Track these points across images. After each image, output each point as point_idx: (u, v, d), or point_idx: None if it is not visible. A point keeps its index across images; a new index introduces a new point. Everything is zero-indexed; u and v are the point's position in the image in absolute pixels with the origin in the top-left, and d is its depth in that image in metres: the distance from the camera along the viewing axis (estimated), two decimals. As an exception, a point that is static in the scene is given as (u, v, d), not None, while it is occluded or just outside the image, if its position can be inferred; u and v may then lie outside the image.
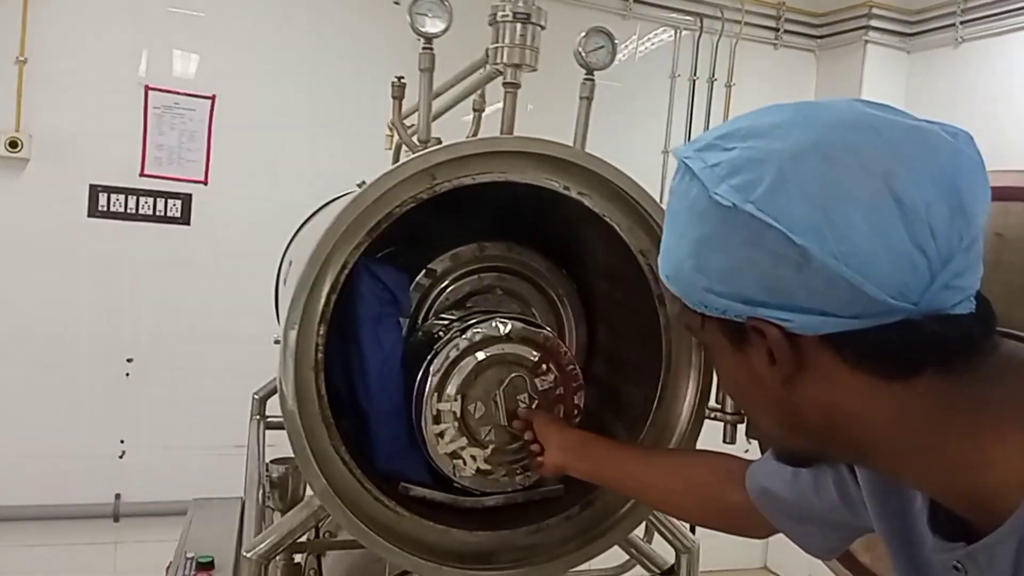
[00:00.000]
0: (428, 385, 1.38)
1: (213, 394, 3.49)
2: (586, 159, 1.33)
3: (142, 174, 3.54)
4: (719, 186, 0.63)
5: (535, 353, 1.43)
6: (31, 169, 3.40)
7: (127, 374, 3.59)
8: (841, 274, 0.58)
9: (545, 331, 1.45)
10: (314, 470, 1.24)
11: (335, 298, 1.27)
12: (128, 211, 3.52)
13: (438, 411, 1.39)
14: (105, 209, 3.50)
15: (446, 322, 1.50)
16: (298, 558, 2.10)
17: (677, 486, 1.18)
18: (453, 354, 1.39)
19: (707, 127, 4.62)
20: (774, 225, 0.60)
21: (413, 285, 1.64)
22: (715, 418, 1.40)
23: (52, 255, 3.45)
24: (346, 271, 1.27)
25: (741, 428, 1.38)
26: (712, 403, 1.41)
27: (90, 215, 3.49)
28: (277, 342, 1.25)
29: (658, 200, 1.58)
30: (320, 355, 1.26)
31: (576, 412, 1.46)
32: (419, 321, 1.65)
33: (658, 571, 1.53)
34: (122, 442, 3.61)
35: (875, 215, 0.58)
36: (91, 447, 3.56)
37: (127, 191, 3.53)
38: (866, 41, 4.54)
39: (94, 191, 3.50)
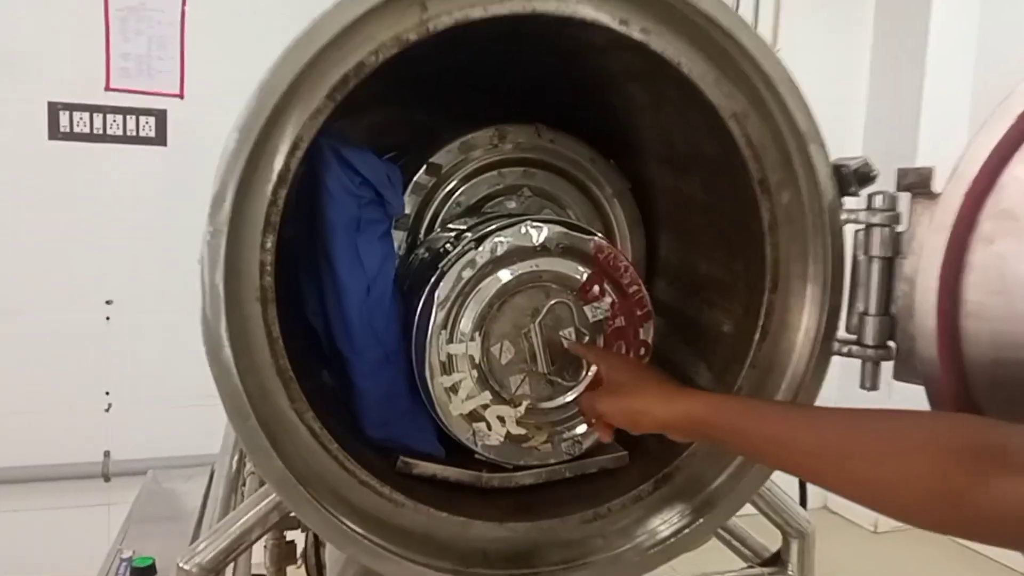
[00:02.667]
0: (432, 320, 0.98)
1: (206, 338, 3.13)
2: (655, -31, 0.89)
3: (108, 88, 3.12)
4: None
5: (582, 269, 1.02)
6: (-22, 87, 3.00)
7: (107, 318, 3.24)
8: None
9: (596, 237, 1.03)
10: (263, 447, 0.85)
11: (285, 194, 0.86)
12: (94, 131, 3.11)
13: (449, 356, 0.99)
14: (68, 130, 3.09)
15: (456, 232, 1.09)
16: (292, 535, 1.76)
17: (915, 466, 0.66)
18: (467, 274, 0.99)
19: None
20: None
21: (411, 186, 1.23)
22: (848, 354, 0.99)
23: (10, 186, 3.07)
24: (299, 152, 0.85)
25: (887, 367, 0.97)
26: (842, 332, 1.00)
27: (51, 137, 3.09)
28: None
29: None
30: (268, 279, 0.86)
31: (644, 351, 1.06)
32: (421, 236, 1.24)
33: (757, 560, 1.15)
34: (107, 394, 3.28)
35: None
36: (73, 401, 3.24)
37: (92, 108, 3.11)
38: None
39: (54, 110, 3.09)
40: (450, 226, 1.18)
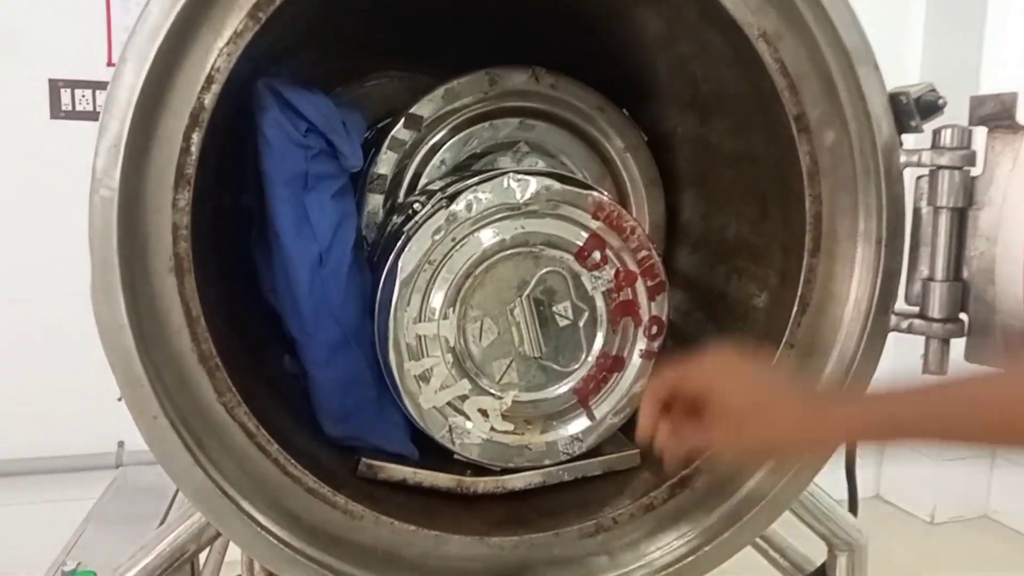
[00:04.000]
0: (395, 294, 0.81)
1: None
2: None
3: (110, 63, 3.00)
4: None
5: (581, 232, 0.85)
6: (-24, 65, 2.90)
7: (116, 304, 3.13)
8: None
9: (595, 192, 0.86)
10: (173, 450, 0.70)
11: (199, 137, 0.70)
12: (98, 109, 2.99)
13: (418, 337, 0.83)
14: (70, 108, 2.98)
15: (429, 193, 0.93)
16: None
17: None
18: (437, 238, 0.82)
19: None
20: None
21: (388, 142, 1.06)
22: (908, 329, 0.80)
23: (12, 168, 2.97)
24: (215, 85, 0.69)
25: (958, 345, 0.78)
26: (901, 304, 0.81)
27: (53, 116, 2.98)
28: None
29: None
30: (184, 245, 0.71)
31: (656, 328, 0.88)
32: (400, 200, 1.08)
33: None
34: (119, 382, 3.19)
35: None
36: (84, 390, 3.14)
37: (94, 85, 3.00)
38: None
39: (55, 87, 2.98)
40: (429, 187, 1.01)
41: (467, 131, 1.10)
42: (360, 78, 1.27)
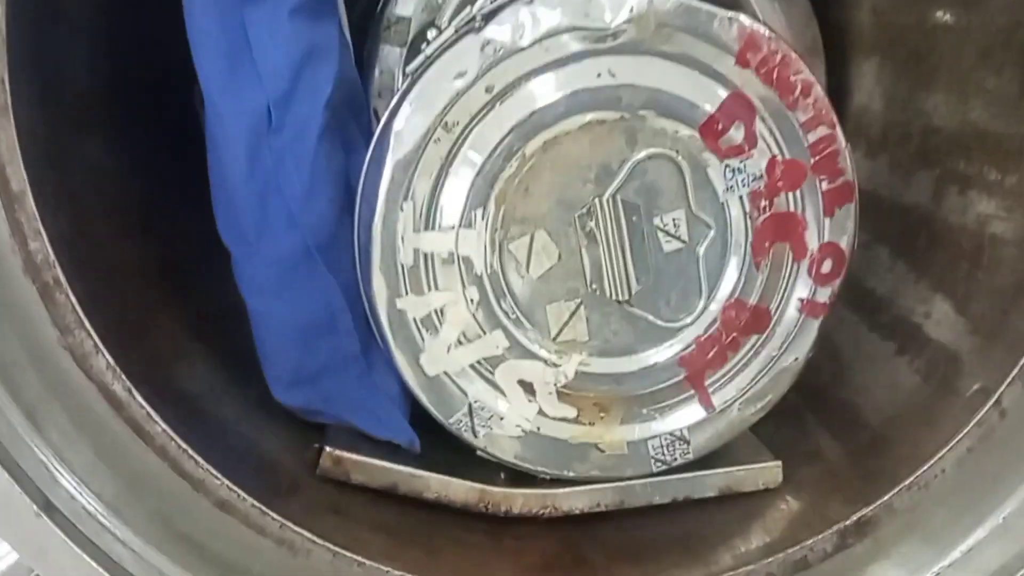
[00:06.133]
0: (384, 181, 0.48)
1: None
2: None
3: None
4: None
5: (714, 86, 0.50)
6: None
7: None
8: None
9: (743, 18, 0.50)
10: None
11: None
12: None
13: (422, 256, 0.50)
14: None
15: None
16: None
17: None
18: (460, 86, 0.48)
19: None
20: None
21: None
22: None
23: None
24: None
25: None
26: None
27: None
28: None
29: None
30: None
31: (832, 267, 0.53)
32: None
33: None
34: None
35: None
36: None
37: None
38: None
39: None
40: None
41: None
42: None
